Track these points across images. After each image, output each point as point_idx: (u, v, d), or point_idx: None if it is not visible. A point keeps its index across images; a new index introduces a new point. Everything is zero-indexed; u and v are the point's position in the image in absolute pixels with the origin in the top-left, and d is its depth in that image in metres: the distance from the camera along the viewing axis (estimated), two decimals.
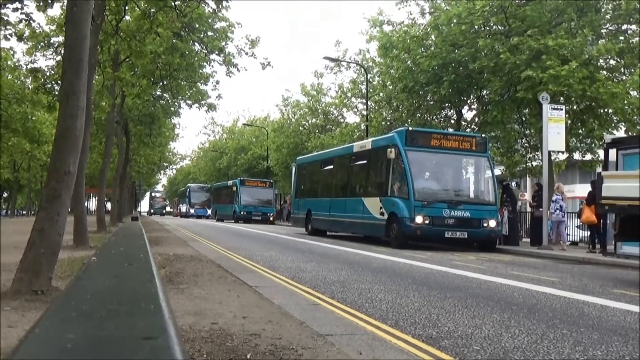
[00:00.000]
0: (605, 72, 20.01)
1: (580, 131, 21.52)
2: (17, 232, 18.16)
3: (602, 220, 15.42)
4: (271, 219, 42.73)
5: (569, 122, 19.85)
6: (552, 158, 20.71)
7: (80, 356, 1.16)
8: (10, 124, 33.91)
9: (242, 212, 42.77)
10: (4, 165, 51.70)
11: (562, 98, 19.06)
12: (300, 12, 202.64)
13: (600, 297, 7.90)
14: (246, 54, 21.64)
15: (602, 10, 20.29)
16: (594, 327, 5.81)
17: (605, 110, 20.24)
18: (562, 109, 17.90)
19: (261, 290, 7.46)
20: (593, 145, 21.64)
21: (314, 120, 45.13)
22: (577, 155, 23.12)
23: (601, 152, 19.58)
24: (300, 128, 45.29)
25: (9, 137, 38.21)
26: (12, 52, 29.85)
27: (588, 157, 22.51)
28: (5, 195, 77.94)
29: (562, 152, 20.88)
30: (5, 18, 14.63)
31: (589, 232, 18.03)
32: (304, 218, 25.12)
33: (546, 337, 5.24)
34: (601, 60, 20.41)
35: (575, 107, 20.71)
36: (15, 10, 14.10)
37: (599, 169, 19.12)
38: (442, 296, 7.58)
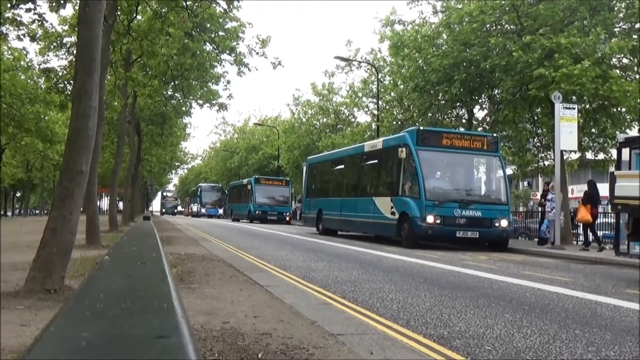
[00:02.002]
0: (618, 71, 19.85)
1: (592, 130, 21.35)
2: (30, 231, 18.30)
3: (615, 221, 15.35)
4: (287, 218, 41.98)
5: (582, 121, 19.70)
6: (565, 157, 20.59)
7: (94, 355, 1.17)
8: (23, 124, 34.12)
9: (257, 212, 41.85)
10: (17, 165, 52.13)
11: (574, 97, 18.93)
12: (312, 11, 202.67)
13: (613, 297, 7.85)
14: (257, 53, 21.68)
15: (615, 8, 20.12)
16: (606, 327, 5.78)
17: (618, 109, 20.08)
18: (574, 108, 17.79)
19: (272, 289, 7.48)
20: (606, 144, 21.48)
21: (324, 119, 45.05)
22: (589, 155, 22.94)
23: (614, 151, 19.45)
24: (311, 128, 45.20)
25: (22, 137, 38.48)
26: (25, 52, 30.14)
27: (601, 156, 22.35)
28: (18, 194, 78.56)
29: (575, 152, 20.75)
30: (18, 18, 14.75)
31: (576, 230, 18.18)
32: (314, 218, 25.12)
33: (558, 337, 5.22)
34: (614, 59, 20.25)
35: (587, 106, 20.55)
36: (28, 10, 14.21)
37: (611, 169, 19.00)
38: (454, 296, 7.56)
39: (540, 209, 20.64)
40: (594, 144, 21.97)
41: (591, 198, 17.53)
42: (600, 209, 19.73)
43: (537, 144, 23.77)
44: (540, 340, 5.05)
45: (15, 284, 6.87)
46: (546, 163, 23.40)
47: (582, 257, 15.26)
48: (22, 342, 4.24)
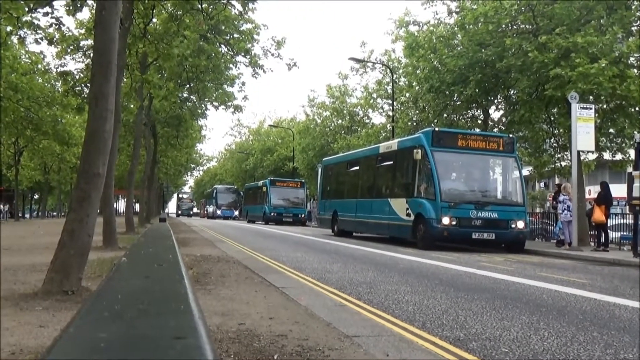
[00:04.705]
0: (635, 70, 19.64)
1: (610, 130, 21.15)
2: (48, 233, 18.48)
3: (634, 222, 15.21)
4: (302, 220, 41.94)
5: (599, 121, 19.53)
6: (582, 158, 20.42)
7: (113, 355, 1.19)
8: (40, 127, 34.51)
9: (272, 213, 41.91)
10: (34, 168, 52.68)
11: (591, 97, 18.77)
12: (326, 12, 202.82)
13: (632, 299, 7.77)
14: (272, 55, 21.77)
15: (633, 7, 19.91)
16: (625, 329, 5.72)
17: (636, 108, 19.88)
18: (591, 108, 17.64)
19: (288, 291, 7.49)
20: (623, 144, 21.28)
21: (339, 121, 45.05)
22: (607, 155, 22.72)
23: (632, 152, 19.26)
24: (326, 129, 45.23)
25: (40, 140, 38.90)
26: (42, 56, 30.47)
27: (618, 156, 22.13)
28: (36, 196, 79.37)
29: (592, 152, 20.57)
30: (36, 22, 14.92)
31: (596, 231, 18.02)
32: (330, 219, 25.14)
33: (576, 339, 5.18)
34: (632, 58, 20.04)
35: (605, 106, 20.37)
36: (45, 14, 14.39)
37: (629, 169, 18.83)
38: (470, 298, 7.53)
39: (554, 210, 20.48)
40: (612, 144, 21.76)
41: (605, 199, 17.40)
42: (618, 210, 19.57)
43: (554, 144, 23.59)
44: (558, 343, 5.02)
45: (33, 285, 6.95)
46: (563, 164, 23.21)
47: (600, 258, 15.12)
48: (40, 343, 4.29)
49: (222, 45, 23.06)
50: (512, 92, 23.29)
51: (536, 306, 6.98)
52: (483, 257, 14.68)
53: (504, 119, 25.01)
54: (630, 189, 15.68)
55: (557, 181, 39.49)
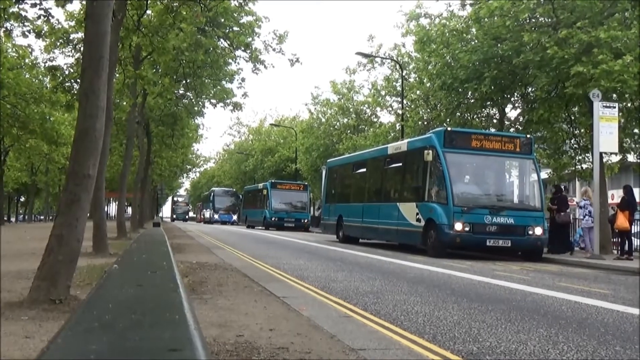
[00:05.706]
0: None
1: (635, 130, 21.12)
2: (35, 238, 18.51)
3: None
4: (305, 225, 42.05)
5: (623, 120, 19.49)
6: (604, 160, 20.38)
7: None
8: (27, 125, 34.55)
9: (273, 218, 42.03)
10: (21, 168, 52.76)
11: (614, 94, 18.73)
12: (332, 5, 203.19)
13: None
14: (273, 49, 21.79)
15: None
16: None
17: None
18: (614, 107, 17.59)
19: (289, 301, 7.50)
20: None
21: (345, 120, 45.06)
22: (631, 157, 22.67)
23: None
24: (331, 128, 45.23)
25: (27, 139, 38.96)
26: (30, 50, 30.55)
27: None
28: (22, 199, 79.54)
29: (615, 154, 20.52)
30: (23, 14, 14.99)
31: (619, 238, 17.93)
32: (334, 224, 25.13)
33: (597, 354, 5.16)
34: None
35: (629, 104, 20.34)
36: (33, 5, 14.46)
37: None
38: (484, 309, 7.52)
39: (550, 214, 19.92)
40: (637, 146, 21.72)
41: (629, 204, 17.35)
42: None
43: (574, 145, 23.54)
44: (578, 358, 5.01)
45: (19, 293, 6.96)
46: (584, 166, 23.16)
47: (623, 267, 15.07)
48: (25, 354, 4.30)
49: (221, 39, 23.08)
50: (529, 89, 23.27)
51: (555, 318, 6.96)
52: (498, 266, 14.66)
53: (521, 118, 24.99)
54: None
55: (578, 185, 39.45)
